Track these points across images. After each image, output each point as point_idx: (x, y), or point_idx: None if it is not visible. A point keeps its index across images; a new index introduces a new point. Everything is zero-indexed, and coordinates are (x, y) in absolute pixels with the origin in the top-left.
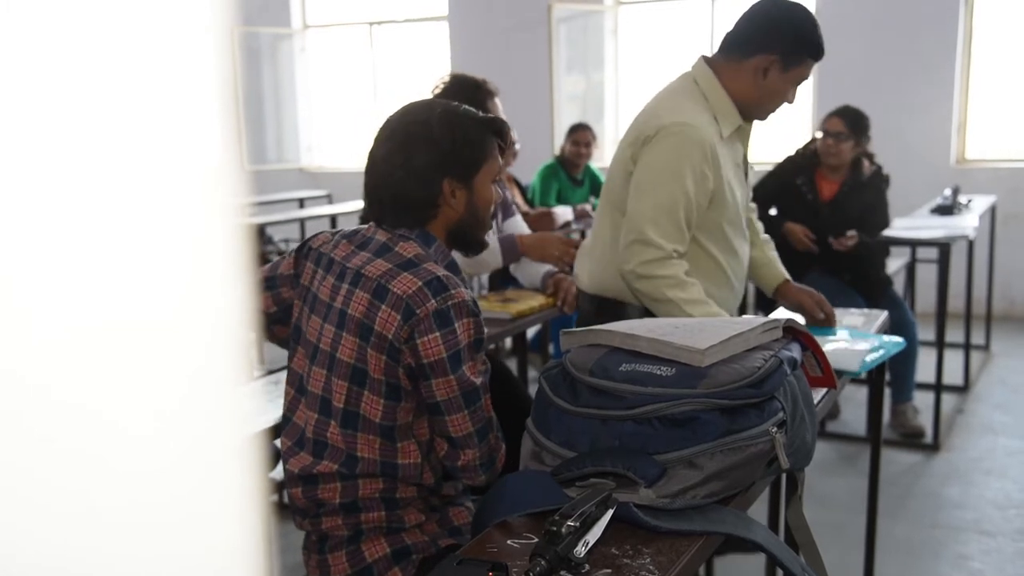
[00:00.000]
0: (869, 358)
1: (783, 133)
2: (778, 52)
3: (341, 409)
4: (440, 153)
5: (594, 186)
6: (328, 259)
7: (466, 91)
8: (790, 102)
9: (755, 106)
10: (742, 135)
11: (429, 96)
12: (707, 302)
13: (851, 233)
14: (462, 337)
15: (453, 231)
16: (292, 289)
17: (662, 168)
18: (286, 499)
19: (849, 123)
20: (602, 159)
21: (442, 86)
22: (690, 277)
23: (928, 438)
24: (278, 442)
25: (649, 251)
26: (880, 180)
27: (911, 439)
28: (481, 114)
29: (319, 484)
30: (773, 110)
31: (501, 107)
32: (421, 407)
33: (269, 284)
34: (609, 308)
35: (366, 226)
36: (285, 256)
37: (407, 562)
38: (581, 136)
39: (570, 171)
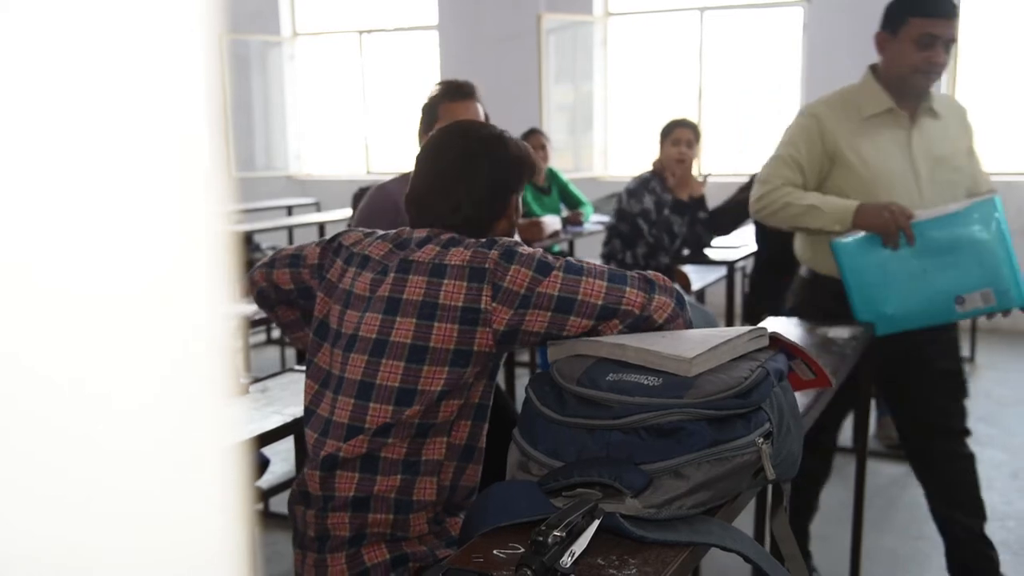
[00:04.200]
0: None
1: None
2: (884, 23)
3: (396, 388)
4: (513, 166)
5: (563, 194)
6: (363, 257)
7: (450, 93)
8: (926, 66)
9: (897, 80)
10: (897, 117)
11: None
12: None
13: None
14: (531, 256)
15: None
16: (313, 278)
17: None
18: (272, 507)
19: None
20: (590, 169)
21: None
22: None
23: None
24: (264, 451)
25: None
26: None
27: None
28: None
29: (338, 470)
30: (915, 80)
31: (483, 111)
32: (484, 374)
33: (292, 262)
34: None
35: (401, 229)
36: (310, 244)
37: (404, 569)
38: (534, 140)
39: (532, 180)
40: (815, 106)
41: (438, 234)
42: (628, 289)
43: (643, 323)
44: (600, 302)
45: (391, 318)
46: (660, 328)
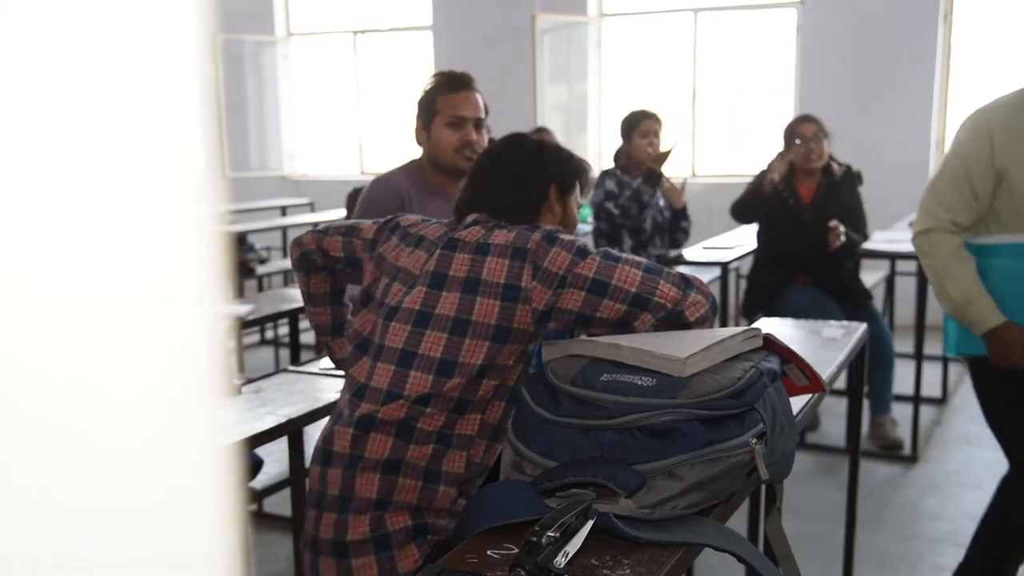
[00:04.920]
0: None
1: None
2: None
3: (438, 359)
4: (550, 160)
5: None
6: (418, 237)
7: (448, 84)
8: None
9: None
10: None
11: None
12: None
13: (833, 223)
14: (572, 242)
15: None
16: (365, 251)
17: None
18: (265, 508)
19: (819, 124)
20: None
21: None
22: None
23: (906, 450)
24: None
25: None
26: (852, 177)
27: (890, 451)
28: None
29: (372, 432)
30: None
31: (482, 101)
32: (522, 356)
33: (347, 232)
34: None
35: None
36: (367, 221)
37: (423, 541)
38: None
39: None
40: (992, 112)
41: (486, 220)
42: (662, 282)
43: (675, 318)
44: (634, 289)
45: (436, 292)
46: (690, 327)
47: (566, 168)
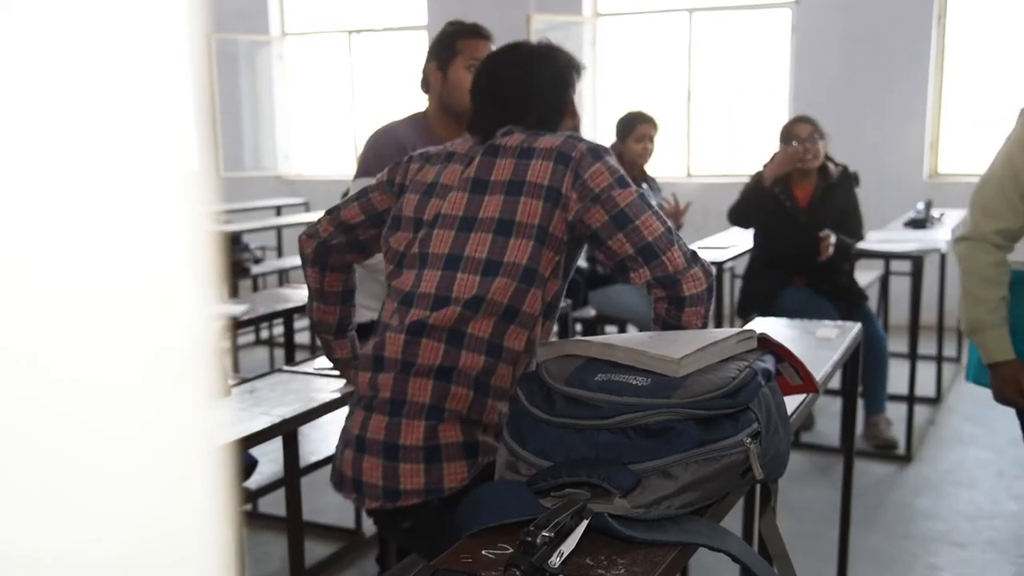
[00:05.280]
0: None
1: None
2: None
3: (483, 259)
4: (567, 68)
5: None
6: (445, 155)
7: (471, 31)
8: None
9: None
10: None
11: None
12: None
13: (824, 233)
14: (616, 168)
15: None
16: (384, 194)
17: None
18: (260, 508)
19: (815, 125)
20: None
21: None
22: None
23: (900, 449)
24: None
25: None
26: (849, 178)
27: (884, 450)
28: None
29: (424, 338)
30: None
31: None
32: (557, 271)
33: (359, 196)
34: None
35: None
36: (377, 177)
37: (472, 461)
38: None
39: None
40: None
41: (522, 129)
42: (676, 247)
43: (671, 286)
44: (650, 239)
45: (479, 196)
46: (681, 302)
47: (574, 69)
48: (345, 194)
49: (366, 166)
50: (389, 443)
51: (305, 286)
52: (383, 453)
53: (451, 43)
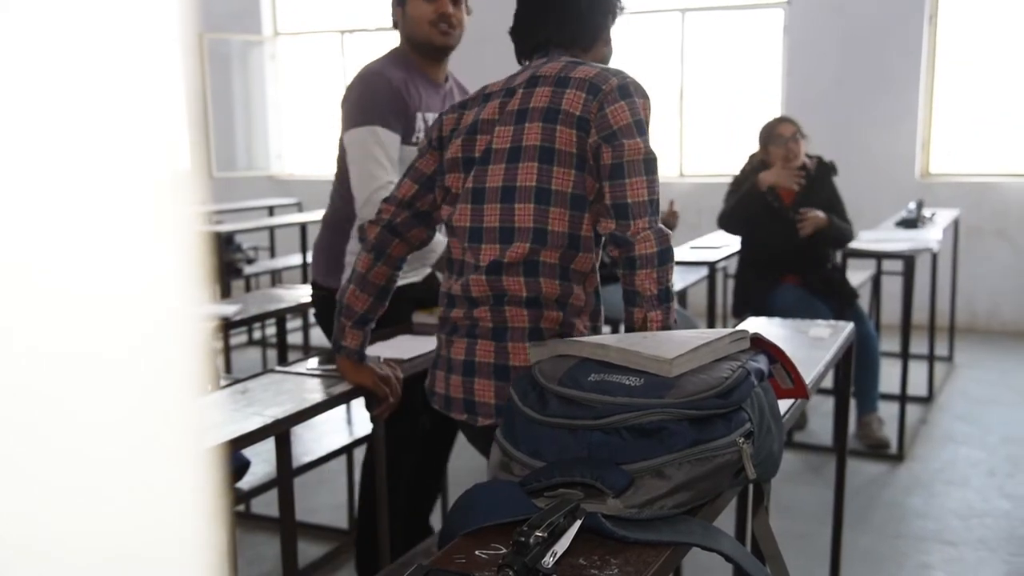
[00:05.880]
0: None
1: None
2: None
3: (533, 188)
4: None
5: None
6: (483, 96)
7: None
8: None
9: None
10: None
11: None
12: None
13: (804, 209)
14: (642, 110)
15: None
16: (432, 152)
17: None
18: (253, 509)
19: (797, 126)
20: None
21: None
22: None
23: (893, 449)
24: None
25: None
26: (825, 169)
27: (876, 450)
28: None
29: (503, 275)
30: None
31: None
32: (598, 196)
33: (408, 171)
34: None
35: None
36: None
37: None
38: None
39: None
40: None
41: (559, 55)
42: (647, 219)
43: (624, 244)
44: (629, 200)
45: (520, 126)
46: (632, 262)
47: (620, 5)
48: (341, 154)
49: (363, 111)
50: (499, 365)
51: (299, 286)
52: (494, 374)
53: None
